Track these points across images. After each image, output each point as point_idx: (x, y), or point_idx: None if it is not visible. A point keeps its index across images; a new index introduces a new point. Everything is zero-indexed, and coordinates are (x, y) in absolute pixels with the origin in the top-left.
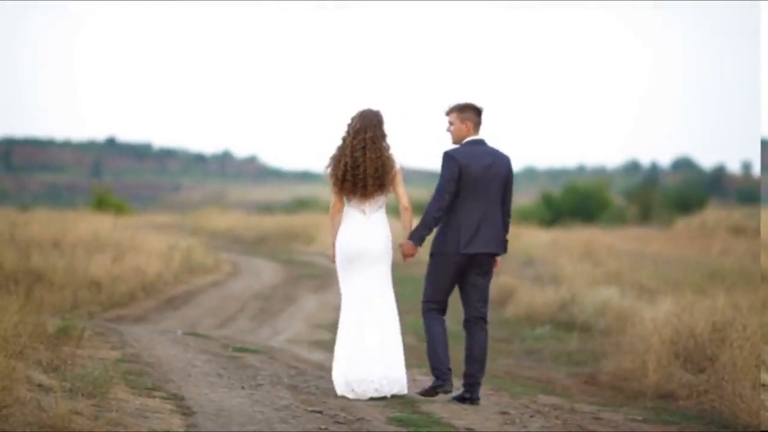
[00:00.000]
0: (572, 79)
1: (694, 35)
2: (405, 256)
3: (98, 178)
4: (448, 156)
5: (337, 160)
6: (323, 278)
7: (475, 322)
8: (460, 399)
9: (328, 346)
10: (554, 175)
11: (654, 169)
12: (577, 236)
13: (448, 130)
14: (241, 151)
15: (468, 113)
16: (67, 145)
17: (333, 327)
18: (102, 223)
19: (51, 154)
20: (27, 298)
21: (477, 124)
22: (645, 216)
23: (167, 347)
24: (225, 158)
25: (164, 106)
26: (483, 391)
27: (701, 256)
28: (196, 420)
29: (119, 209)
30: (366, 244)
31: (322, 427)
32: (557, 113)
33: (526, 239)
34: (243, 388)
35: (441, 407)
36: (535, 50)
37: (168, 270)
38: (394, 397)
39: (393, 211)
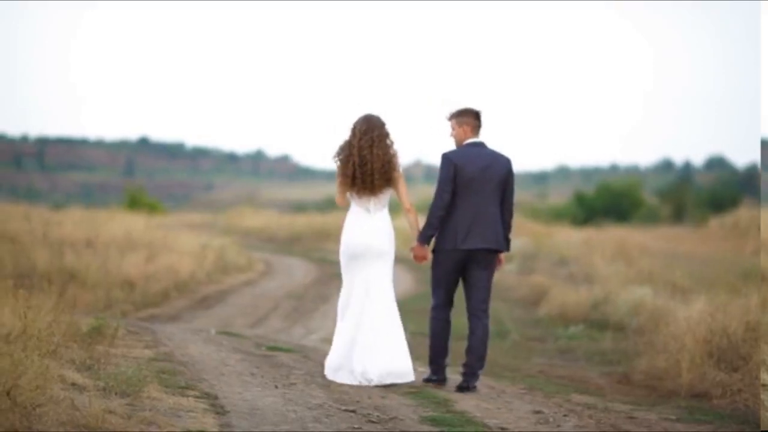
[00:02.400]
0: (607, 77)
1: (733, 34)
2: (417, 259)
3: (131, 178)
4: (444, 157)
5: (345, 160)
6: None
7: (475, 315)
8: (458, 388)
9: None
10: (587, 174)
11: (687, 168)
12: (610, 235)
13: (451, 135)
14: (273, 150)
15: (465, 117)
16: (100, 145)
17: None
18: (135, 223)
19: (84, 154)
20: (60, 297)
21: (476, 128)
22: (678, 215)
23: (200, 346)
24: (258, 157)
25: (197, 106)
26: (516, 391)
27: (734, 256)
28: (230, 419)
29: (152, 208)
30: (369, 240)
31: (356, 426)
32: (591, 112)
33: (559, 238)
34: (276, 387)
35: (474, 406)
36: (571, 49)
37: (201, 269)
38: (399, 385)
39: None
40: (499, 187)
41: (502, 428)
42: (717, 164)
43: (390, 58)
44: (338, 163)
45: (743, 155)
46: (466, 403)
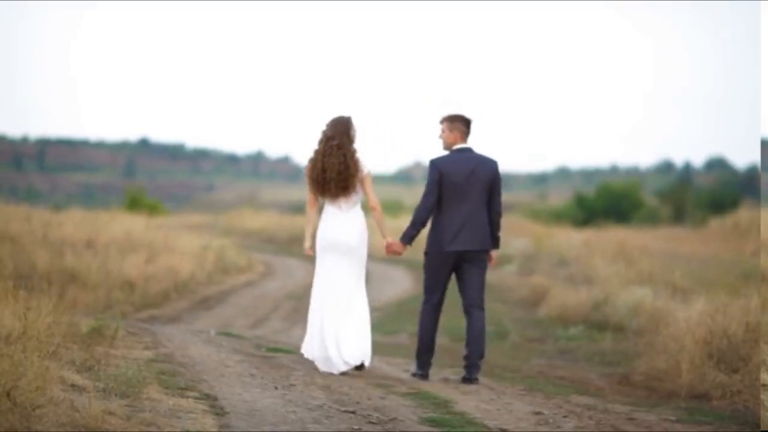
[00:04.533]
0: (607, 77)
1: (733, 34)
2: (389, 252)
3: (131, 179)
4: (431, 164)
5: (312, 163)
6: None
7: (471, 309)
8: (463, 380)
9: None
10: (587, 175)
11: (687, 169)
12: (610, 236)
13: (440, 137)
14: (274, 152)
15: (457, 123)
16: (100, 146)
17: None
18: (135, 224)
19: (85, 155)
20: (60, 298)
21: (465, 134)
22: (678, 216)
23: (200, 347)
24: (258, 158)
25: (197, 107)
26: (516, 392)
27: (734, 256)
28: (229, 420)
29: (152, 209)
30: (340, 235)
31: (355, 427)
32: (591, 113)
33: (559, 239)
34: (276, 388)
35: (474, 407)
36: (571, 49)
37: (201, 270)
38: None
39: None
40: (485, 189)
41: (502, 429)
42: (717, 165)
43: (390, 58)
44: (307, 166)
45: (743, 156)
46: (466, 404)
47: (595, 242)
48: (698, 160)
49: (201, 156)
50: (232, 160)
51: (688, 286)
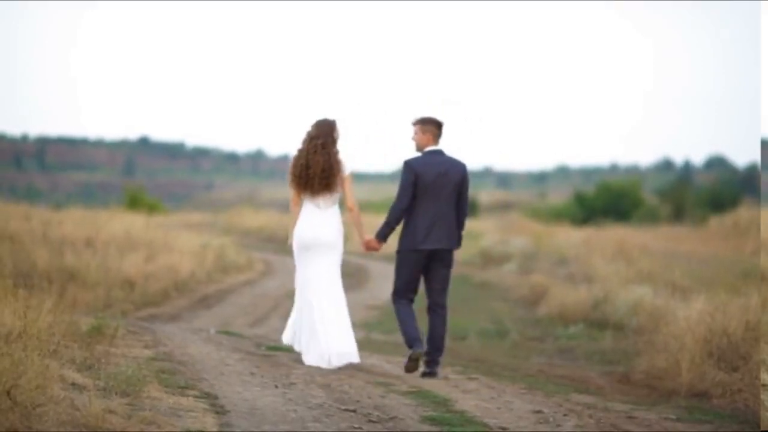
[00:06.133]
0: (607, 77)
1: (733, 34)
2: (367, 248)
3: (131, 177)
4: (406, 164)
5: (296, 160)
6: (356, 277)
7: (435, 307)
8: (423, 375)
9: (362, 344)
10: (587, 173)
11: (687, 167)
12: (609, 235)
13: (413, 138)
14: (273, 150)
15: (429, 126)
16: (100, 144)
17: (366, 326)
18: (135, 222)
19: (84, 153)
20: (60, 296)
21: (437, 136)
22: (678, 215)
23: (200, 346)
24: (258, 157)
25: (197, 105)
26: (516, 390)
27: (734, 255)
28: (230, 418)
29: (152, 208)
30: (318, 234)
31: (356, 425)
32: (591, 112)
33: (559, 238)
34: (276, 386)
35: (474, 406)
36: (571, 49)
37: (201, 269)
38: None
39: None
40: (455, 190)
41: (502, 428)
42: (717, 164)
43: (390, 58)
44: (291, 162)
45: (743, 155)
46: (466, 402)
47: (595, 241)
48: (698, 158)
49: (201, 155)
50: (231, 158)
51: (687, 284)
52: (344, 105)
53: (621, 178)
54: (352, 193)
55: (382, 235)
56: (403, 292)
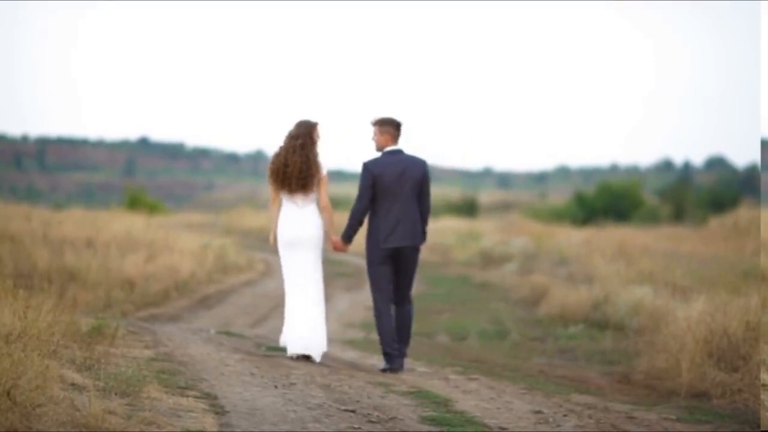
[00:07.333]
0: (607, 77)
1: (733, 34)
2: (335, 249)
3: (131, 178)
4: (364, 167)
5: (275, 158)
6: (356, 277)
7: (401, 303)
8: (384, 370)
9: (361, 345)
10: (587, 174)
11: (687, 168)
12: (610, 235)
13: (372, 139)
14: (273, 151)
15: (387, 127)
16: (100, 145)
17: (366, 326)
18: (135, 223)
19: (84, 154)
20: (60, 297)
21: (395, 137)
22: (678, 215)
23: (200, 346)
24: (258, 157)
25: (197, 106)
26: (516, 391)
27: (734, 256)
28: (229, 419)
29: (152, 208)
30: (298, 231)
31: (355, 426)
32: (591, 112)
33: (559, 238)
34: (276, 387)
35: (474, 406)
36: (571, 49)
37: (201, 269)
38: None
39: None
40: (415, 188)
41: (502, 428)
42: (717, 164)
43: (390, 58)
44: (271, 159)
45: (743, 155)
46: (466, 402)
47: (595, 241)
48: (698, 159)
49: (201, 155)
50: (232, 159)
51: (688, 285)
52: (343, 105)
53: (621, 179)
54: (327, 193)
55: (347, 237)
56: (379, 292)
